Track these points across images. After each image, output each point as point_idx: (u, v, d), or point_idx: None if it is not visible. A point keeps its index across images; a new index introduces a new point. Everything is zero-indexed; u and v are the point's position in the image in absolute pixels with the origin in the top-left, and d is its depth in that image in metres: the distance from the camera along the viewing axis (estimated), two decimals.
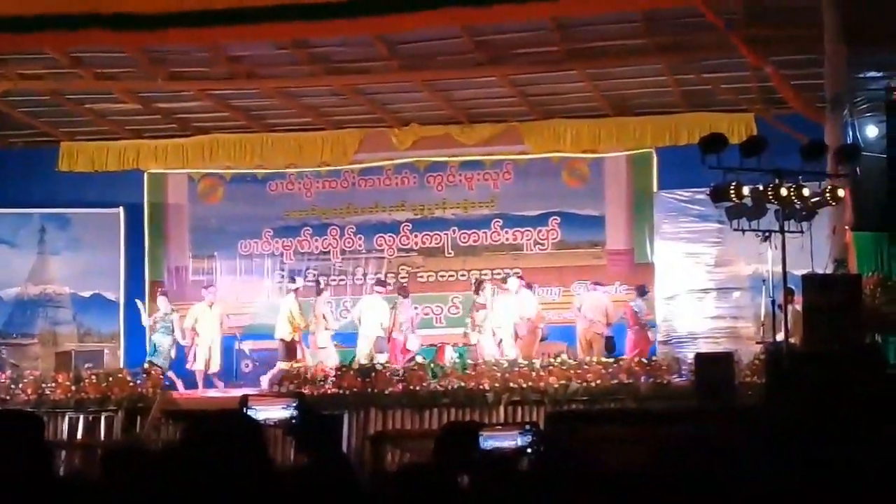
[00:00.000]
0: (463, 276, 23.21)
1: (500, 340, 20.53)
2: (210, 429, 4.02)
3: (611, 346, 20.78)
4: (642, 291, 21.39)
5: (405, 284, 22.56)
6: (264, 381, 20.70)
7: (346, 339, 21.70)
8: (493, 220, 23.42)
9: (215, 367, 21.65)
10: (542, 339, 21.14)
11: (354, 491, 4.48)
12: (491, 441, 5.34)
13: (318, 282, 22.43)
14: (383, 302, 21.58)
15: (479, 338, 20.62)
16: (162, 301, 22.39)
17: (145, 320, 22.14)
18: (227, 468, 3.85)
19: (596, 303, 21.26)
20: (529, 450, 5.30)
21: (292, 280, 22.43)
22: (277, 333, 21.41)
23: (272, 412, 4.60)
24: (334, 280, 23.32)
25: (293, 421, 4.60)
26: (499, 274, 22.62)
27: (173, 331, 21.78)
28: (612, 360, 18.98)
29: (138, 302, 22.73)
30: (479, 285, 21.46)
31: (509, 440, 5.35)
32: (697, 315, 21.02)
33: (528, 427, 5.42)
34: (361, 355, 20.74)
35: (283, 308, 21.59)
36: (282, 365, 20.74)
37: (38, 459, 3.91)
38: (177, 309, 22.21)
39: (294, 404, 4.62)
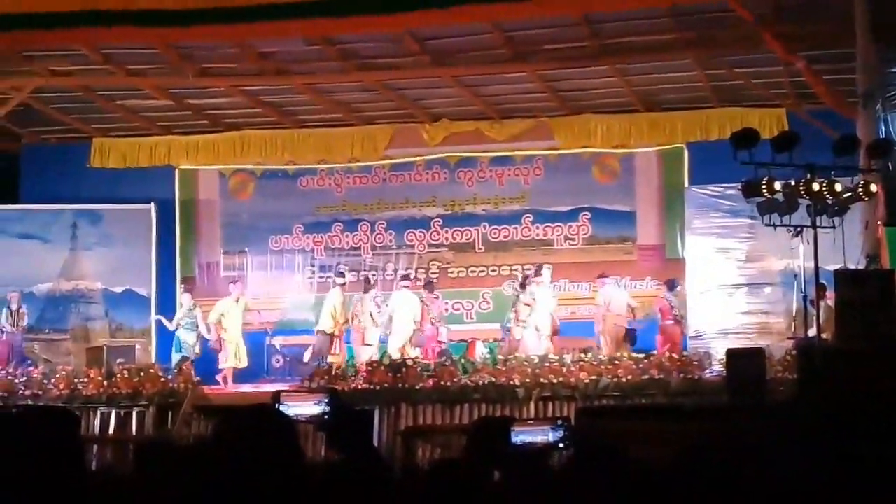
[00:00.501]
0: (493, 271, 23.25)
1: (542, 335, 20.56)
2: (242, 424, 4.02)
3: (632, 338, 20.76)
4: (672, 285, 21.34)
5: (432, 280, 22.58)
6: (307, 355, 21.17)
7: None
8: (523, 215, 23.41)
9: (243, 363, 21.71)
10: (554, 334, 21.09)
11: (388, 487, 4.48)
12: (522, 436, 5.32)
13: (367, 279, 22.42)
14: (413, 296, 21.59)
15: (523, 333, 20.58)
16: (185, 297, 22.51)
17: (171, 325, 22.19)
18: (259, 463, 3.86)
19: (619, 297, 21.22)
20: (561, 445, 5.28)
21: (341, 275, 22.39)
22: (321, 325, 21.43)
23: (304, 408, 4.60)
24: (364, 275, 23.35)
25: (325, 417, 4.59)
26: (529, 269, 22.62)
27: (197, 326, 21.88)
28: (642, 355, 18.90)
29: (162, 319, 22.77)
30: (524, 281, 21.43)
31: (541, 435, 5.34)
32: (728, 311, 20.97)
33: (559, 422, 5.40)
34: (393, 350, 20.76)
35: (328, 302, 21.60)
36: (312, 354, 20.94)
37: (72, 455, 3.92)
38: (199, 305, 22.29)
39: (326, 400, 4.61)
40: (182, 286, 23.47)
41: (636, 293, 21.97)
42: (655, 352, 19.58)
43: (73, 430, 4.12)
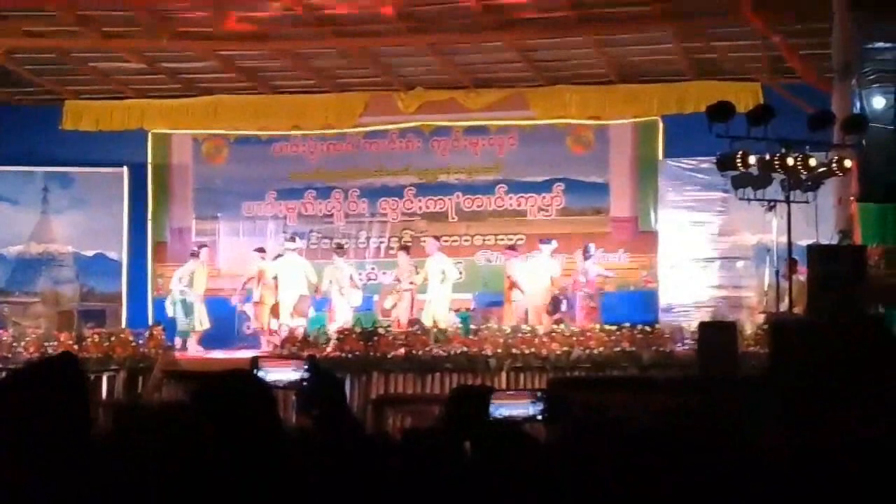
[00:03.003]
0: (466, 241, 23.22)
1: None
2: (219, 389, 3.99)
3: (555, 305, 20.71)
4: (587, 253, 21.25)
5: (344, 245, 22.74)
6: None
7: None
8: (497, 185, 23.39)
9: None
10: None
11: (365, 455, 4.46)
12: (502, 409, 5.25)
13: (339, 245, 22.49)
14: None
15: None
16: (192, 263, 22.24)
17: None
18: (236, 429, 3.83)
19: (537, 269, 21.13)
20: (540, 418, 5.22)
21: (292, 240, 22.36)
22: (299, 288, 21.42)
23: (282, 374, 4.57)
24: (338, 243, 23.32)
25: (304, 383, 4.56)
26: (502, 240, 22.70)
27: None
28: (614, 327, 18.82)
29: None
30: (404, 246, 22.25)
31: (521, 409, 5.27)
32: (701, 284, 21.02)
33: (539, 395, 5.35)
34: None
35: (296, 266, 21.55)
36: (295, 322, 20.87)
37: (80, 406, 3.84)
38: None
39: (305, 366, 4.58)
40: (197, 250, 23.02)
41: (609, 265, 21.99)
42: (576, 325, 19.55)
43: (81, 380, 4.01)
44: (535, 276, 20.96)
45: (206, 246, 22.90)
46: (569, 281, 21.24)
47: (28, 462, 3.53)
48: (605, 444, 4.18)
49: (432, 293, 21.01)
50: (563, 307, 20.75)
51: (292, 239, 22.43)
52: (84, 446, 3.61)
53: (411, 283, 21.24)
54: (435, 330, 19.22)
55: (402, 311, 21.11)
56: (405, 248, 22.11)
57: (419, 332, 19.14)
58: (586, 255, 21.26)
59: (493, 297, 21.83)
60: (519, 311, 20.79)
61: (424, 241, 22.42)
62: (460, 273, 21.93)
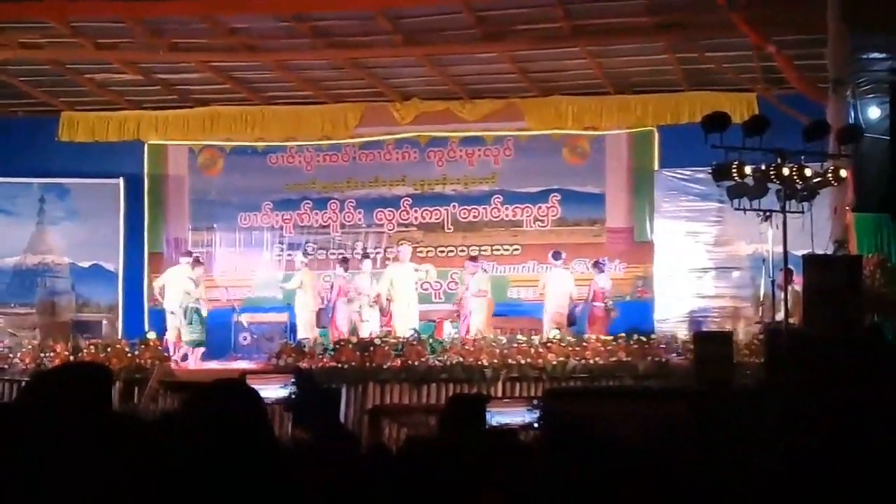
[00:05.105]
0: (462, 251, 23.21)
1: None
2: (211, 398, 3.99)
3: (571, 319, 20.76)
4: (601, 267, 21.27)
5: (347, 257, 22.56)
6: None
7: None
8: (493, 196, 23.40)
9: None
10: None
11: (357, 464, 4.45)
12: (498, 417, 5.25)
13: (366, 254, 22.50)
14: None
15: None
16: (199, 270, 22.03)
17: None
18: (228, 438, 3.82)
19: (562, 280, 21.12)
20: (535, 425, 5.22)
21: (307, 254, 22.38)
22: (314, 304, 21.44)
23: (268, 391, 4.56)
24: (333, 254, 23.30)
25: (292, 397, 4.54)
26: (498, 250, 22.73)
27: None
28: (610, 337, 18.86)
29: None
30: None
31: (516, 416, 5.27)
32: (696, 294, 21.01)
33: (535, 402, 5.35)
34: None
35: (307, 279, 21.58)
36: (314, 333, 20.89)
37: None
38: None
39: (291, 381, 4.57)
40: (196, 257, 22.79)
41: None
42: (586, 335, 19.52)
43: (108, 385, 4.03)
44: (554, 289, 20.94)
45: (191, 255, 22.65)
46: (584, 292, 21.27)
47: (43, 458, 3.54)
48: (597, 459, 4.18)
49: (410, 304, 20.99)
50: (577, 317, 20.88)
51: (307, 253, 22.47)
52: (98, 453, 3.61)
53: (379, 295, 21.21)
54: (430, 340, 19.21)
55: (372, 323, 21.04)
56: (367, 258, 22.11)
57: (415, 342, 19.11)
58: (599, 269, 21.27)
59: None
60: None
61: (399, 249, 22.16)
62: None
